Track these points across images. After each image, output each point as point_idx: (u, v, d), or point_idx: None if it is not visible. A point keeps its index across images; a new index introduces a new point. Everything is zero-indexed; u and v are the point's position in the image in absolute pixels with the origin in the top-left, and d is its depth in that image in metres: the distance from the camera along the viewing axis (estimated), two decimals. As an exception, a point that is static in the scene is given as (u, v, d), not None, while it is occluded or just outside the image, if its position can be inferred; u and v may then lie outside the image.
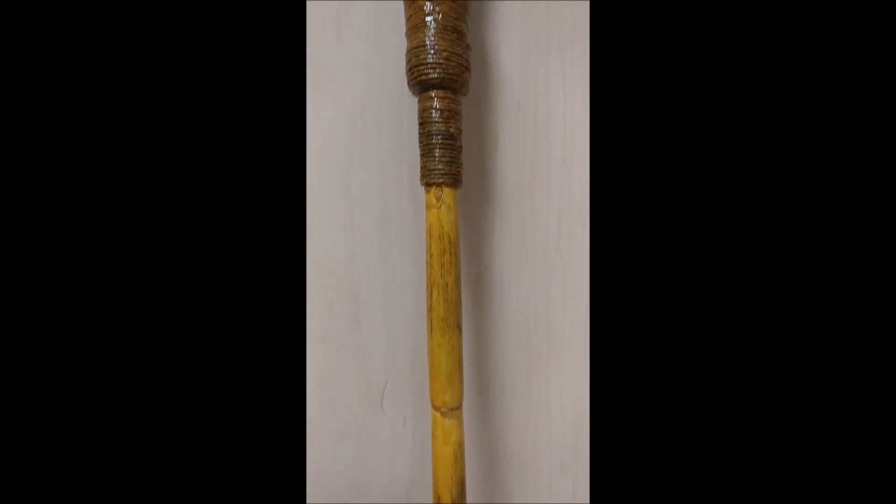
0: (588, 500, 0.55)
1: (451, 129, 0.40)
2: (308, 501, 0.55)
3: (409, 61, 0.39)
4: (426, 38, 0.38)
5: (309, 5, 0.46)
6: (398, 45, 0.46)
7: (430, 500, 0.54)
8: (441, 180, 0.39)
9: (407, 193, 0.49)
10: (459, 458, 0.41)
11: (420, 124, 0.40)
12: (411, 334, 0.53)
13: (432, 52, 0.38)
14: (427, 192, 0.40)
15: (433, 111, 0.39)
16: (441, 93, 0.39)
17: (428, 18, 0.38)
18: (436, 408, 0.41)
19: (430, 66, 0.38)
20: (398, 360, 0.53)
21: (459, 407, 0.41)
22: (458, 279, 0.40)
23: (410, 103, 0.47)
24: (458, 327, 0.41)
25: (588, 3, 0.47)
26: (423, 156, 0.40)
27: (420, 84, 0.39)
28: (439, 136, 0.39)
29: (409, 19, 0.39)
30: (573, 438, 0.55)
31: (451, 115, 0.39)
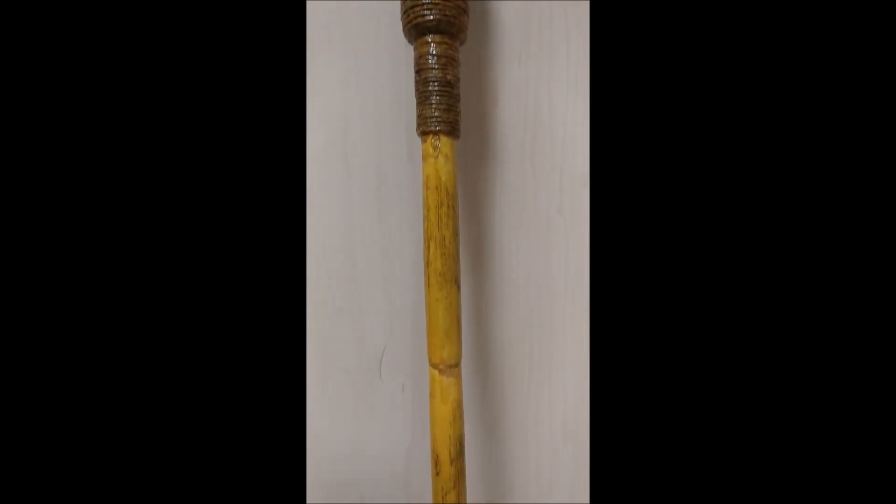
0: (588, 468, 0.54)
1: (449, 77, 0.38)
2: (307, 469, 0.54)
3: (403, 3, 0.37)
4: (421, -24, 0.36)
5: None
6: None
7: (430, 468, 0.53)
8: (438, 128, 0.38)
9: (405, 153, 0.48)
10: (458, 418, 0.40)
11: (416, 72, 0.39)
12: (410, 299, 0.51)
13: (428, -10, 0.36)
14: (424, 141, 0.39)
15: (430, 57, 0.38)
16: (438, 37, 0.38)
17: (423, -44, 0.36)
18: (433, 365, 0.40)
19: (425, 6, 0.36)
20: (397, 326, 0.52)
21: (458, 364, 0.40)
22: (455, 233, 0.39)
23: (406, 58, 0.46)
24: (457, 282, 0.39)
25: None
26: (419, 104, 0.39)
27: (416, 28, 0.37)
28: (436, 83, 0.38)
29: (403, -42, 0.38)
30: (575, 405, 0.54)
31: (448, 61, 0.38)
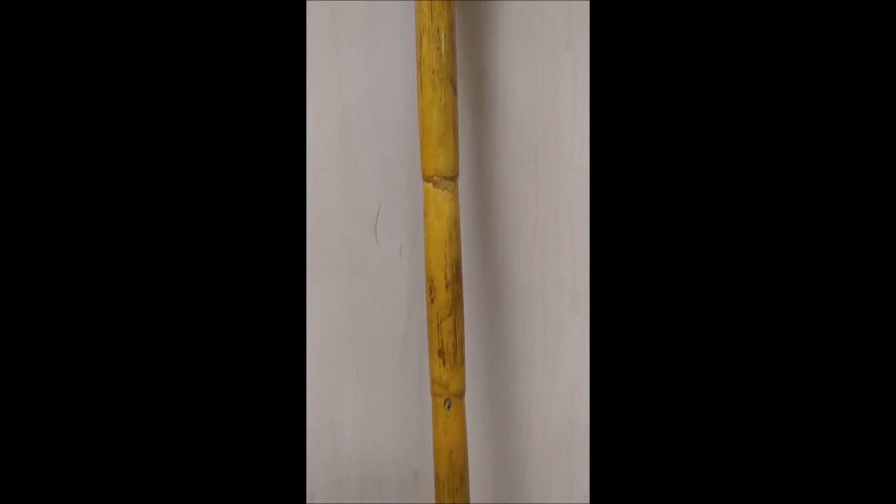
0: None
1: None
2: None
3: None
4: None
5: None
6: None
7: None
8: None
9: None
10: (455, 238, 0.37)
11: None
12: (406, 152, 0.48)
13: None
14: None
15: None
16: None
17: None
18: (427, 178, 0.36)
19: None
20: (391, 182, 0.49)
21: (454, 178, 0.37)
22: (451, 26, 0.35)
23: None
24: (453, 84, 0.35)
25: None
26: None
27: None
28: None
29: None
30: (584, 269, 0.50)
31: None
